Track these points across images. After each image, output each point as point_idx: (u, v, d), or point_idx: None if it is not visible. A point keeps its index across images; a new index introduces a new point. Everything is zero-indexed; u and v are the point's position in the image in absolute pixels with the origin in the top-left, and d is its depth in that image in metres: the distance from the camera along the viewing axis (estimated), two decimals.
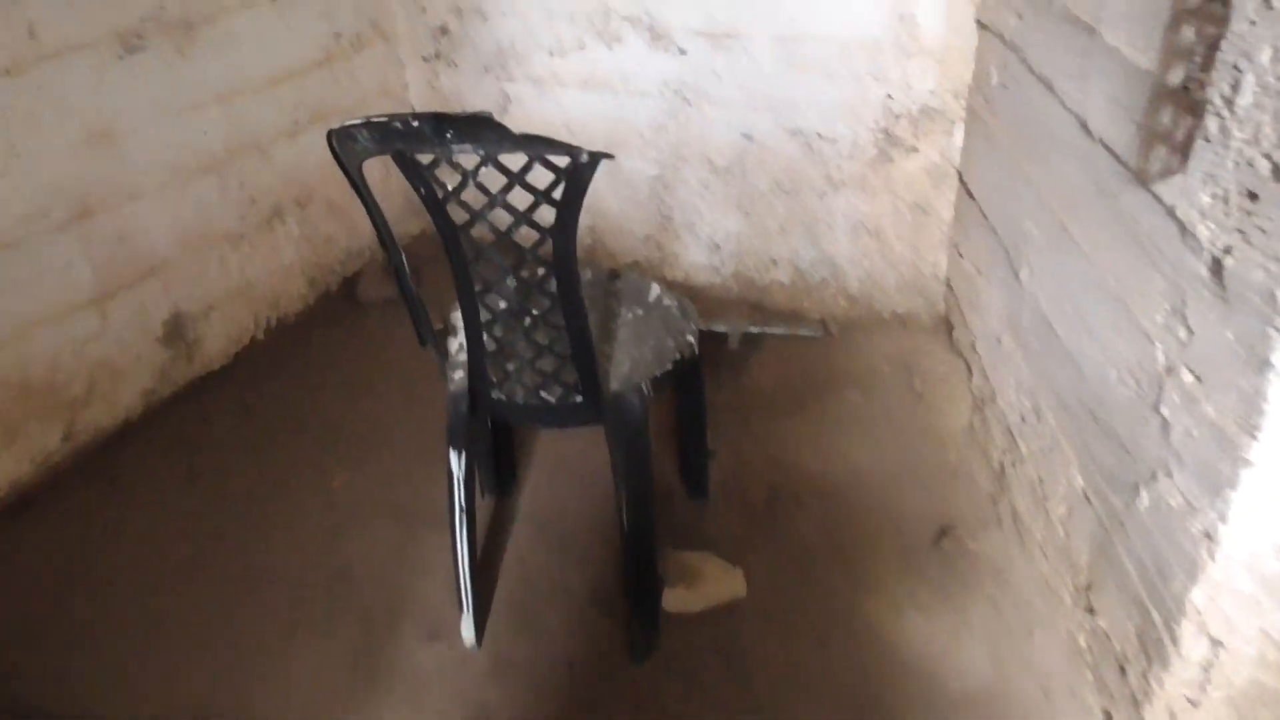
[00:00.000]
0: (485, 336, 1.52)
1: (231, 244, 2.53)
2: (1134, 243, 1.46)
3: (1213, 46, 1.20)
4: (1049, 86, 1.80)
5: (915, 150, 2.51)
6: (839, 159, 2.61)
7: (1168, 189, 1.34)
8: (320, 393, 2.54)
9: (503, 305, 1.51)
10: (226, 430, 2.40)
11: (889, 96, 2.46)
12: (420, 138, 1.25)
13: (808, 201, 2.71)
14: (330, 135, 1.29)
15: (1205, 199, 1.25)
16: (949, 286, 2.66)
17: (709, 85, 2.66)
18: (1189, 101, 1.28)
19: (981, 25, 2.26)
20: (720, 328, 2.77)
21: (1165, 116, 1.36)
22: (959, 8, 2.28)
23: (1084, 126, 1.63)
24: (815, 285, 2.85)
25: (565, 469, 2.25)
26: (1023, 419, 2.01)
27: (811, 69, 2.51)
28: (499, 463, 2.16)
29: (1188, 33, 1.29)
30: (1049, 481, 1.84)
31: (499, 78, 2.95)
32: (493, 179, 1.31)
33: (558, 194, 1.30)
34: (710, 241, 2.92)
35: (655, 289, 1.93)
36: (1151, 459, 1.40)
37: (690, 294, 3.00)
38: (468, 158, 1.28)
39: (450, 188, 1.31)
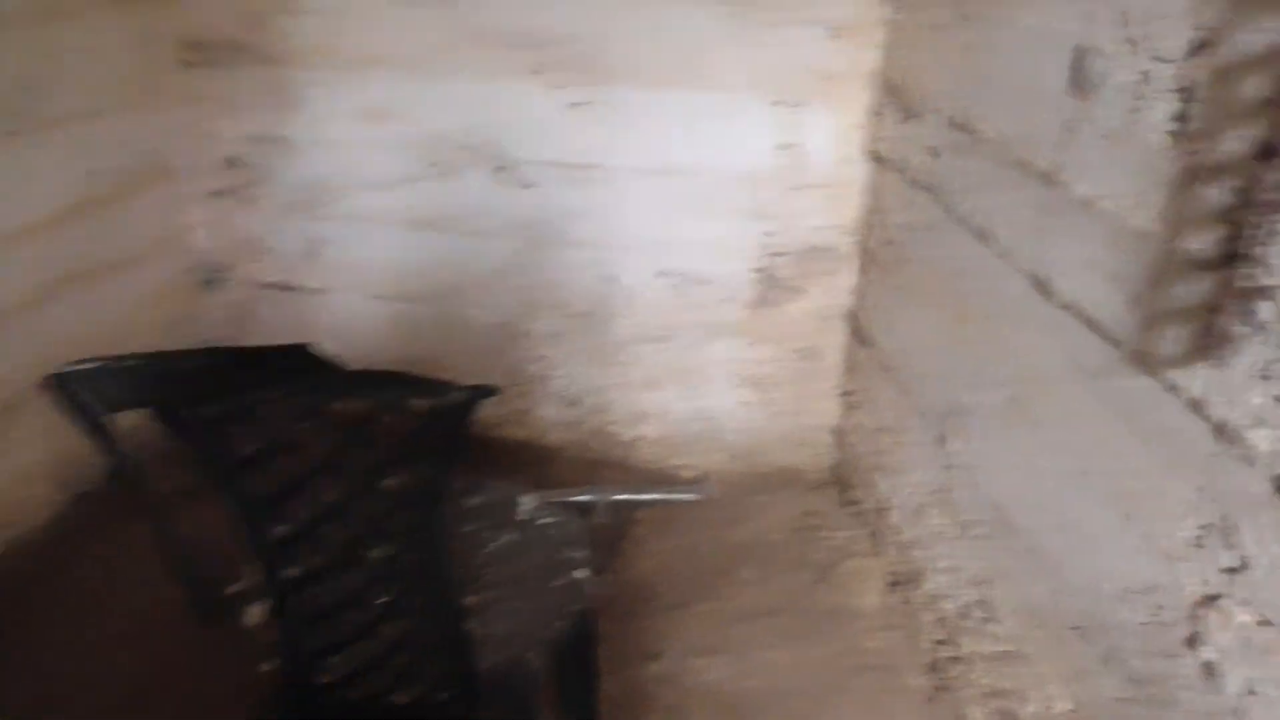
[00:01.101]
0: (306, 629, 1.05)
1: None
2: (1135, 438, 1.19)
3: (1262, 212, 0.95)
4: (981, 237, 1.54)
5: (800, 291, 2.23)
6: (714, 303, 2.30)
7: (1189, 379, 1.08)
8: (65, 651, 1.86)
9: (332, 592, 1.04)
10: None
11: (767, 234, 2.18)
12: (198, 384, 0.80)
13: (679, 349, 2.38)
14: (54, 381, 0.82)
15: (1257, 400, 0.98)
16: (840, 439, 2.38)
17: (563, 223, 2.30)
18: (1219, 276, 1.03)
19: (877, 157, 2.01)
20: (584, 497, 2.35)
21: (1180, 291, 1.10)
22: (847, 136, 2.04)
23: (1043, 289, 1.37)
24: (689, 440, 2.50)
25: None
26: (964, 614, 1.71)
27: (683, 204, 2.20)
28: None
29: (1210, 194, 1.04)
30: (1016, 695, 1.53)
31: (308, 217, 2.48)
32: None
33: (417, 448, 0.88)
34: (565, 396, 2.53)
35: (526, 502, 1.51)
36: (1197, 710, 1.10)
37: (543, 455, 2.61)
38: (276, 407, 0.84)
39: (249, 451, 0.86)
